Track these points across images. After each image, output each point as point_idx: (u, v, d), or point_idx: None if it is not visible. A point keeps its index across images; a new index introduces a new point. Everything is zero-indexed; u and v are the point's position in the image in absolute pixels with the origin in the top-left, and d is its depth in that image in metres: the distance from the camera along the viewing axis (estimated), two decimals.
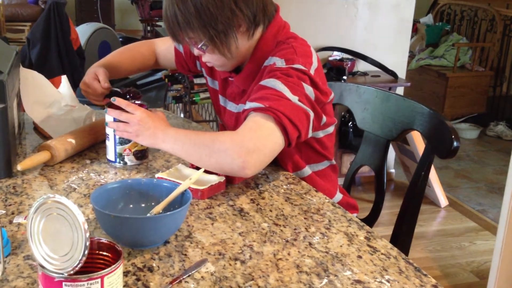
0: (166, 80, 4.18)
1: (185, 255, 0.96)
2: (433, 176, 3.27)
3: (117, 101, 1.24)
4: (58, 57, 3.27)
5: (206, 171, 1.25)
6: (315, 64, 1.27)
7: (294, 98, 1.17)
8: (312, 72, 1.24)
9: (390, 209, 3.16)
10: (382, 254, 1.00)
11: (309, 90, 1.21)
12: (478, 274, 2.61)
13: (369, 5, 3.27)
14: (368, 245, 1.02)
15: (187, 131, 1.25)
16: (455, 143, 1.35)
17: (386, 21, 3.34)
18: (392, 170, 3.62)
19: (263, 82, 1.20)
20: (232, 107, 1.43)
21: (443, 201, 3.29)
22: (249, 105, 1.18)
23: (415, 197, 1.43)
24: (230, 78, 1.39)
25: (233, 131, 1.15)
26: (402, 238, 1.47)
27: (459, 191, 3.50)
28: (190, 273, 0.90)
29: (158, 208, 1.02)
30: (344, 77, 3.15)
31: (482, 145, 4.37)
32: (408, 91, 4.71)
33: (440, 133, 1.39)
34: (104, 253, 0.73)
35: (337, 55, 3.27)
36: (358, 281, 0.91)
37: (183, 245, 1.00)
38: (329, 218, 1.13)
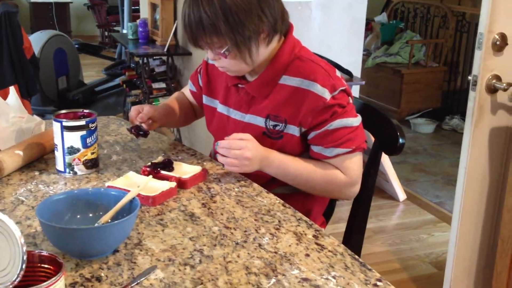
0: (124, 85, 4.15)
1: (135, 263, 0.97)
2: (390, 171, 3.34)
3: (221, 144, 1.29)
4: (11, 67, 3.20)
5: (155, 177, 1.26)
6: (338, 73, 1.35)
7: (358, 120, 1.34)
8: (345, 83, 1.33)
9: (349, 205, 3.21)
10: (329, 251, 1.02)
11: (351, 100, 1.35)
12: (436, 265, 2.67)
13: (322, 6, 3.31)
14: (316, 243, 1.05)
15: (288, 159, 1.34)
16: (400, 140, 1.39)
17: (340, 21, 3.39)
18: None
19: (332, 126, 1.30)
20: (237, 115, 1.42)
21: (401, 195, 3.36)
22: (336, 151, 1.31)
23: (365, 194, 1.46)
24: (240, 85, 1.40)
25: (339, 174, 1.32)
26: (355, 235, 1.50)
27: (417, 185, 3.57)
28: (138, 281, 0.91)
29: (106, 217, 1.02)
30: None
31: (438, 139, 4.47)
32: (365, 88, 4.79)
33: (386, 131, 1.43)
34: (46, 266, 0.73)
35: None
36: (305, 279, 0.93)
37: (132, 253, 1.00)
38: (279, 218, 1.15)
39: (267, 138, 1.35)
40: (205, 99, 1.52)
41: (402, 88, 4.72)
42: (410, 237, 2.94)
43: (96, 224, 1.00)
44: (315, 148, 1.34)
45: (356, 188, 1.37)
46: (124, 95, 4.30)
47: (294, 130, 1.33)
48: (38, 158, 1.42)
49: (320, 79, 1.30)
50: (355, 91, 3.44)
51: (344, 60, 3.39)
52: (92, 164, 1.35)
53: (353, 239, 1.49)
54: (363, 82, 3.37)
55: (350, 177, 1.34)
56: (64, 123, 1.29)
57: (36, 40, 4.33)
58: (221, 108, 1.46)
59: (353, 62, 3.44)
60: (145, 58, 3.74)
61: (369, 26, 5.21)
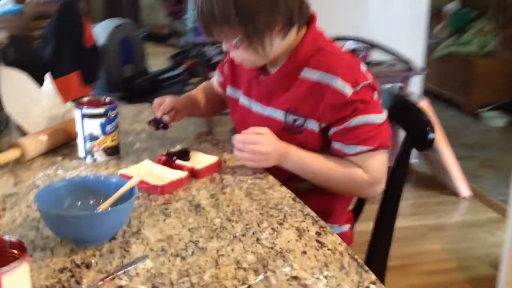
0: (186, 74, 4.22)
1: (127, 251, 0.96)
2: (453, 165, 3.16)
3: (237, 138, 1.27)
4: (71, 55, 3.32)
5: (169, 166, 1.26)
6: (363, 66, 1.29)
7: (382, 117, 1.27)
8: (370, 77, 1.27)
9: (408, 200, 3.09)
10: (328, 249, 0.97)
11: (376, 96, 1.27)
12: (496, 266, 2.51)
13: None
14: (317, 240, 1.00)
15: (308, 156, 1.29)
16: (430, 135, 1.30)
17: (401, 11, 3.27)
18: (415, 160, 3.50)
19: (353, 123, 1.24)
20: (258, 108, 1.39)
21: (465, 191, 3.18)
22: (357, 149, 1.25)
23: (392, 194, 1.38)
24: (261, 76, 1.37)
25: (361, 172, 1.26)
26: (382, 237, 1.42)
27: (484, 181, 3.37)
28: (125, 270, 0.90)
29: (105, 204, 1.02)
30: None
31: (510, 133, 4.21)
32: (434, 79, 4.58)
33: (417, 125, 1.35)
34: (15, 251, 0.74)
35: (351, 44, 3.20)
36: (295, 278, 0.88)
37: (128, 241, 0.99)
38: (285, 213, 1.11)
39: (287, 132, 1.31)
40: (229, 90, 1.50)
41: (473, 79, 4.47)
42: (470, 236, 2.78)
43: (95, 211, 1.01)
44: (336, 145, 1.29)
45: (379, 187, 1.30)
46: (186, 83, 4.37)
47: (313, 125, 1.28)
48: (65, 144, 1.45)
49: (341, 73, 1.23)
50: (416, 81, 3.30)
51: (406, 50, 3.25)
52: (112, 151, 1.36)
53: (380, 241, 1.42)
54: (424, 72, 3.23)
55: (372, 176, 1.27)
56: (84, 111, 1.31)
57: (103, 29, 4.46)
58: (243, 99, 1.43)
59: (416, 50, 3.30)
60: (203, 47, 3.78)
61: (439, 14, 4.97)
